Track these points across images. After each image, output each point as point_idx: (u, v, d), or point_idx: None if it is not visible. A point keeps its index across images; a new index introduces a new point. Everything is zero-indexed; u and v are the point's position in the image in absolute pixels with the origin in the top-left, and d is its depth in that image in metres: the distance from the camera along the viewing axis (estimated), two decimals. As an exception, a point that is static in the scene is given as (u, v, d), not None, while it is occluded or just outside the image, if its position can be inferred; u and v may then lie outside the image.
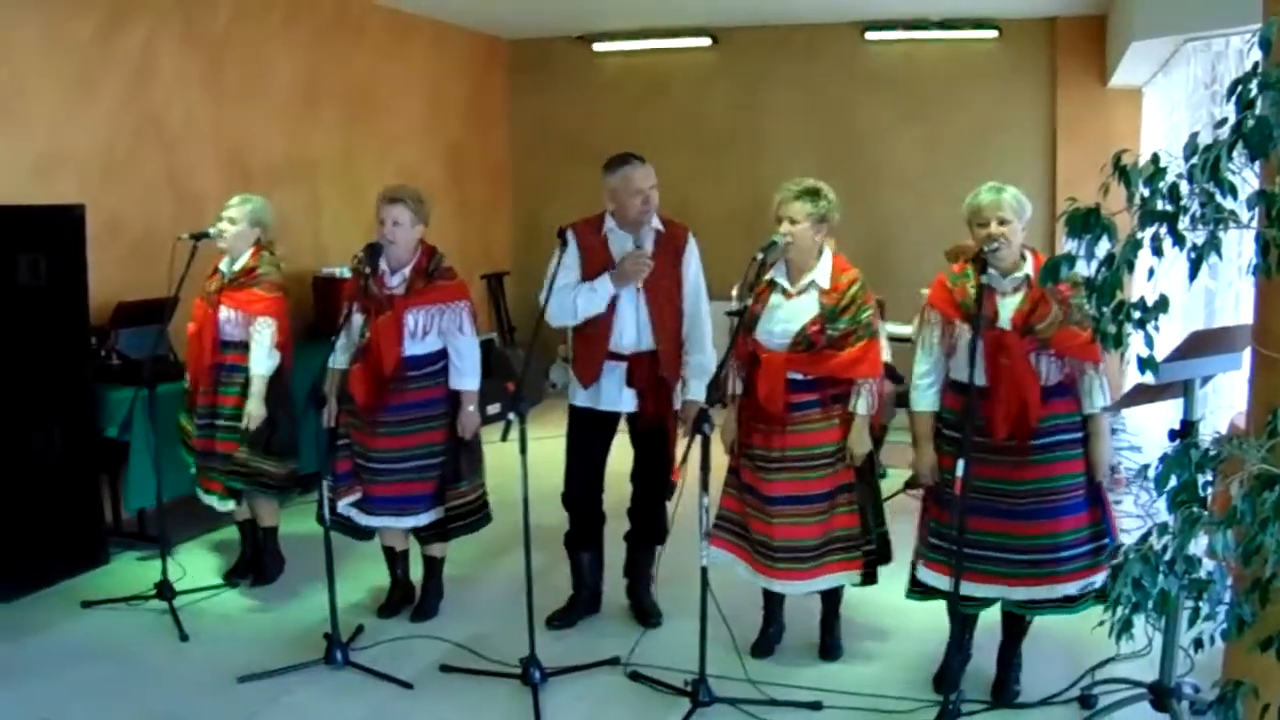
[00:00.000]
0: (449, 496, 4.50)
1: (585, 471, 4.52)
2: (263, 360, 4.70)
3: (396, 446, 4.40)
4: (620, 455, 4.54)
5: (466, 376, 4.47)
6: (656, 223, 4.41)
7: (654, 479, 4.42)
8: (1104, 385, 3.68)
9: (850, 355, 3.91)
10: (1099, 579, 3.65)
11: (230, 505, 4.93)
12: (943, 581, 3.78)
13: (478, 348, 4.54)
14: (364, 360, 4.36)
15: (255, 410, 4.68)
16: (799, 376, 3.94)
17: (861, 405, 3.95)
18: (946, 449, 3.79)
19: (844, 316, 3.92)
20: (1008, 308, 3.67)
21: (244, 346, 4.74)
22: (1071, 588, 3.69)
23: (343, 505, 4.45)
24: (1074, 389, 3.69)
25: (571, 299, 4.31)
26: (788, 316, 3.96)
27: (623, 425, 4.52)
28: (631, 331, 4.35)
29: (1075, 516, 3.69)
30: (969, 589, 3.72)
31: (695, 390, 4.35)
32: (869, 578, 4.07)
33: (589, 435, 4.49)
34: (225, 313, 4.74)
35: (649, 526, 4.53)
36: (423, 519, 4.52)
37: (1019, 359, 3.61)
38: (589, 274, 4.34)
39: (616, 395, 4.40)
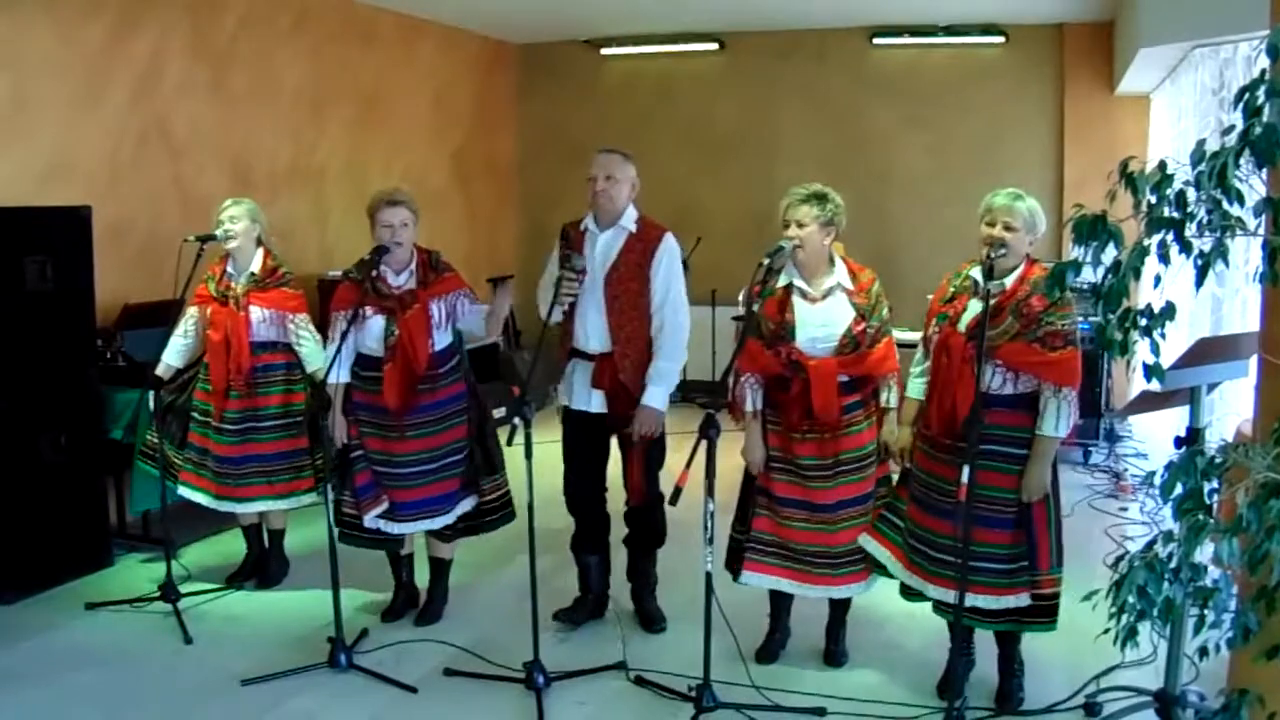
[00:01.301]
0: (487, 490, 4.52)
1: (577, 473, 4.50)
2: (319, 353, 4.73)
3: (426, 448, 4.39)
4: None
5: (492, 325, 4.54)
6: (630, 223, 4.34)
7: (629, 485, 4.42)
8: (1064, 411, 3.57)
9: (880, 352, 3.96)
10: (1014, 600, 3.67)
11: (309, 498, 4.92)
12: (880, 551, 3.95)
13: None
14: (394, 361, 4.30)
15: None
16: (845, 378, 3.95)
17: (892, 398, 4.02)
18: (919, 445, 3.89)
19: (875, 314, 3.97)
20: (971, 311, 3.68)
21: (278, 346, 4.78)
22: (981, 600, 3.68)
23: (369, 518, 4.44)
24: (1035, 406, 3.65)
25: (540, 300, 4.38)
26: (823, 321, 3.95)
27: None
28: (593, 332, 4.33)
29: (994, 531, 3.67)
30: (904, 575, 3.90)
31: (651, 396, 4.27)
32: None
33: (576, 436, 4.48)
34: (258, 313, 4.74)
35: (643, 531, 4.52)
36: (452, 516, 4.51)
37: (958, 361, 3.63)
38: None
39: (585, 395, 4.38)
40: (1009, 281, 3.66)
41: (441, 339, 4.41)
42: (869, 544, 3.99)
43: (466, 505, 4.53)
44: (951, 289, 3.82)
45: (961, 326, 3.68)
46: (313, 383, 4.74)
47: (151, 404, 4.83)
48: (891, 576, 3.98)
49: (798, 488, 4.02)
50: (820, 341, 3.93)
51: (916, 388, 3.95)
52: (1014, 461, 3.65)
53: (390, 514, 4.44)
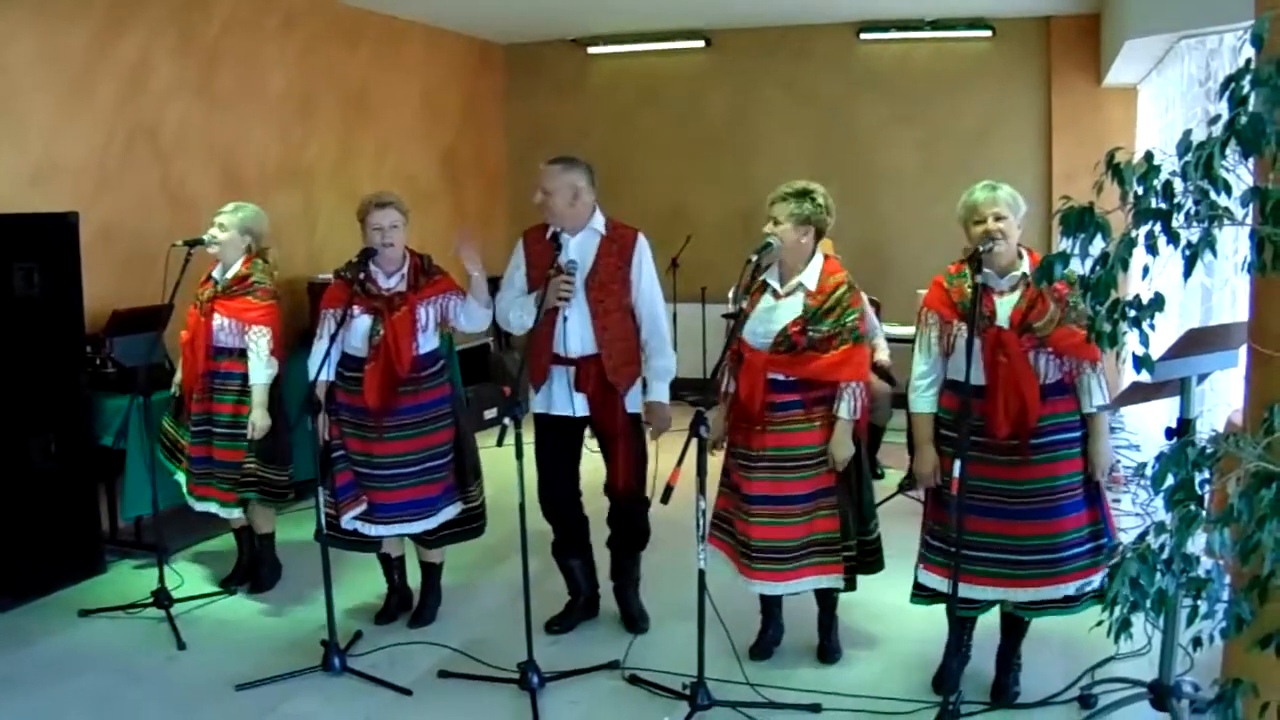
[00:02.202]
0: (471, 496, 4.53)
1: (553, 478, 4.48)
2: (261, 370, 4.70)
3: (404, 450, 4.37)
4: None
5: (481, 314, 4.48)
6: (599, 226, 4.35)
7: (617, 485, 4.42)
8: (1102, 384, 3.66)
9: (833, 358, 3.89)
10: (1097, 579, 3.64)
11: (235, 512, 4.92)
12: (943, 584, 3.75)
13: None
14: (375, 361, 4.31)
15: (259, 420, 4.68)
16: (780, 377, 3.94)
17: (844, 409, 3.92)
18: (946, 450, 3.75)
19: (828, 319, 3.90)
20: (1005, 306, 3.66)
21: (237, 354, 4.75)
22: (1070, 587, 3.68)
23: (347, 519, 4.43)
24: (1072, 387, 3.68)
25: (506, 310, 4.40)
26: (774, 317, 3.96)
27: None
28: (576, 336, 4.30)
29: (1075, 516, 3.68)
30: (972, 591, 3.71)
31: (656, 391, 4.34)
32: (848, 583, 4.05)
33: (550, 441, 4.45)
34: (219, 320, 4.74)
35: (626, 533, 4.52)
36: (433, 521, 4.48)
37: (1017, 357, 3.59)
38: (531, 275, 4.38)
39: (566, 399, 4.36)
40: (1024, 269, 3.68)
41: (427, 342, 4.41)
42: (929, 579, 3.84)
43: (451, 512, 4.51)
44: (968, 288, 3.64)
45: (1004, 323, 3.64)
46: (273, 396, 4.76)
47: (170, 406, 4.97)
48: (985, 609, 3.85)
49: (735, 474, 4.08)
50: (760, 336, 3.96)
51: (927, 402, 3.83)
52: (1074, 445, 3.68)
53: (368, 516, 4.43)
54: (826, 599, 4.22)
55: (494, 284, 4.42)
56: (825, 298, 3.93)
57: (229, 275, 4.78)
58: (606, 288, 4.28)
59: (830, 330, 3.90)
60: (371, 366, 4.31)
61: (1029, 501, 3.66)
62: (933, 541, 3.84)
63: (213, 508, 4.92)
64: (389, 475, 4.39)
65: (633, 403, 4.39)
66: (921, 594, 3.91)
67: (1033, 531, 3.66)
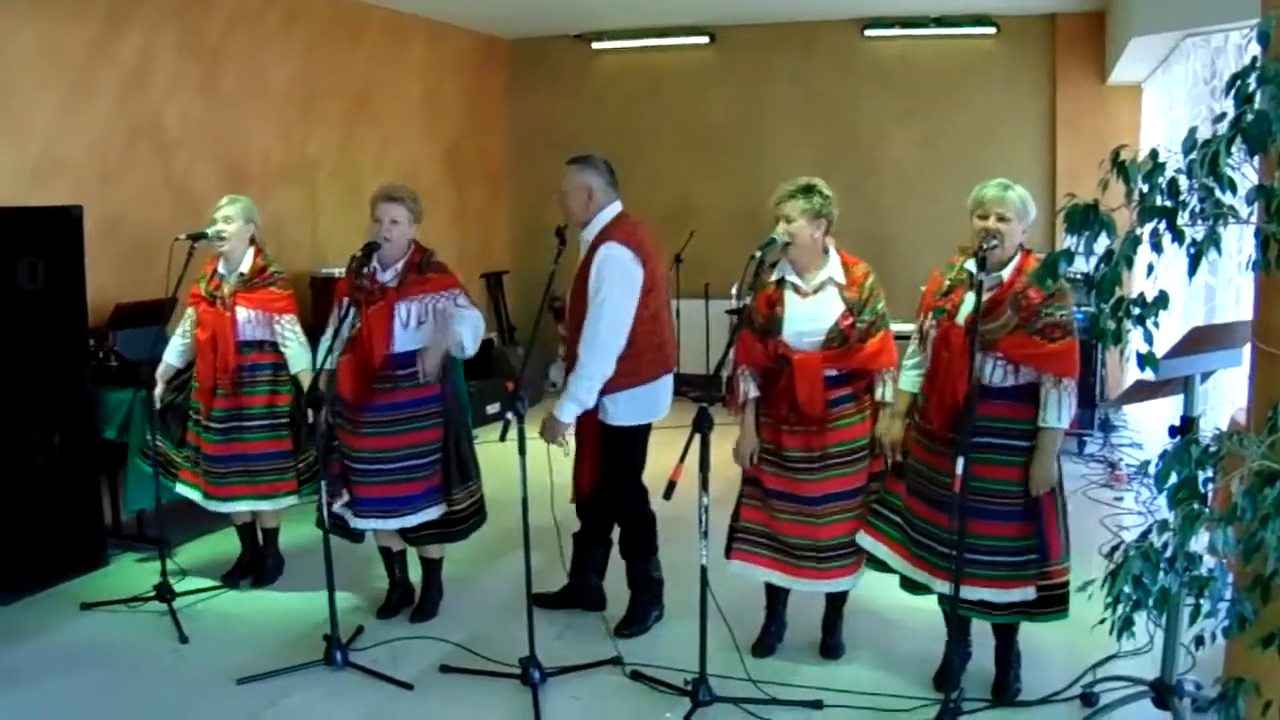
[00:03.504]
0: (457, 498, 4.49)
1: (580, 471, 4.54)
2: (304, 355, 4.72)
3: (381, 447, 4.36)
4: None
5: (466, 337, 4.34)
6: (595, 229, 4.33)
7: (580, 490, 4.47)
8: (1065, 402, 3.57)
9: (874, 346, 3.93)
10: (1021, 594, 3.67)
11: (287, 501, 4.89)
12: (877, 548, 3.96)
13: (479, 316, 4.45)
14: (352, 352, 4.31)
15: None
16: (834, 372, 3.94)
17: (886, 393, 3.98)
18: (915, 437, 3.86)
19: (867, 308, 3.94)
20: (969, 304, 3.65)
21: (265, 345, 4.75)
22: (989, 593, 3.69)
23: (336, 507, 4.43)
24: (1032, 397, 3.64)
25: None
26: (812, 315, 3.94)
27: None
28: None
29: (1001, 524, 3.67)
30: (901, 567, 3.89)
31: (559, 407, 4.26)
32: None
33: (579, 435, 4.51)
34: (244, 313, 4.71)
35: (613, 521, 4.56)
36: (411, 520, 4.46)
37: (959, 354, 3.60)
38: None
39: None
40: (1006, 274, 3.65)
41: (407, 341, 4.33)
42: (865, 541, 3.99)
43: (432, 513, 4.48)
44: (947, 281, 3.79)
45: (960, 320, 3.66)
46: (298, 384, 4.74)
47: (158, 402, 4.85)
48: (893, 572, 3.96)
49: (785, 480, 4.03)
50: (807, 336, 3.93)
51: (909, 380, 3.93)
52: (1016, 453, 3.64)
53: (351, 507, 4.44)
54: (837, 596, 4.23)
55: (496, 280, 4.42)
56: (860, 289, 3.96)
57: (244, 268, 4.76)
58: (579, 292, 4.30)
59: (870, 319, 3.94)
60: (347, 359, 4.32)
61: (953, 494, 3.61)
62: (875, 505, 3.99)
63: (243, 505, 4.89)
64: (365, 470, 4.39)
65: (619, 415, 4.34)
66: (872, 563, 4.03)
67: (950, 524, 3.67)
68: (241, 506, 4.91)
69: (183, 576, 5.05)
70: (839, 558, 4.02)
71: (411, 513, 4.45)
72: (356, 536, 4.58)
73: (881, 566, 4.00)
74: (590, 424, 4.39)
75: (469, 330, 4.34)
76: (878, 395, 3.99)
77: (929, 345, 3.78)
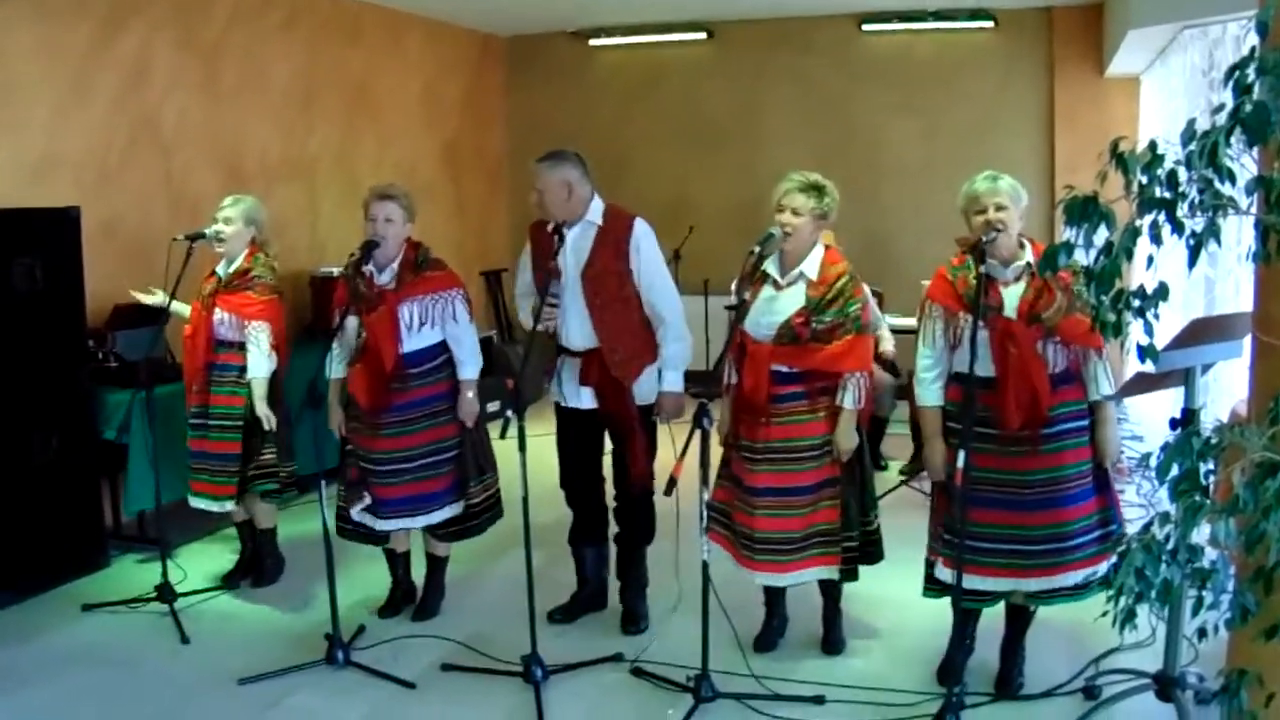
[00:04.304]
0: (475, 492, 4.49)
1: (571, 467, 4.51)
2: (261, 363, 4.70)
3: (400, 447, 4.36)
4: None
5: (465, 365, 4.44)
6: (596, 216, 4.29)
7: (623, 478, 4.41)
8: (1108, 371, 3.67)
9: (837, 349, 3.88)
10: (1104, 566, 3.64)
11: (228, 505, 4.89)
12: (965, 579, 3.71)
13: (475, 333, 4.49)
14: (363, 361, 4.32)
15: (263, 412, 4.69)
16: (784, 369, 3.93)
17: (848, 399, 3.91)
18: (953, 442, 3.71)
19: (830, 309, 3.89)
20: (1012, 296, 3.64)
21: (237, 346, 4.74)
22: (1079, 575, 3.67)
23: (355, 513, 4.44)
24: (1079, 376, 3.68)
25: (520, 303, 4.61)
26: (776, 308, 3.94)
27: None
28: (576, 330, 4.31)
29: (1084, 504, 3.68)
30: (984, 583, 3.72)
31: (669, 381, 4.29)
32: (849, 573, 4.04)
33: (568, 431, 4.50)
34: (219, 315, 4.73)
35: (636, 525, 4.50)
36: (436, 516, 4.47)
37: (1027, 348, 3.57)
38: (536, 268, 4.39)
39: (574, 392, 4.38)
40: (1028, 259, 3.66)
41: (417, 340, 4.34)
42: (945, 574, 3.76)
43: (453, 510, 4.48)
44: (971, 280, 3.61)
45: (1011, 313, 3.62)
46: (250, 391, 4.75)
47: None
48: (993, 601, 3.84)
49: (739, 465, 4.06)
50: (763, 328, 3.94)
51: (934, 394, 3.79)
52: (1082, 434, 3.69)
53: (374, 510, 4.43)
54: (831, 591, 4.21)
55: (495, 277, 4.42)
56: (827, 288, 3.91)
57: (231, 269, 4.78)
58: (601, 280, 4.24)
59: (833, 321, 3.88)
60: (358, 366, 4.34)
61: (1038, 491, 3.64)
62: (946, 535, 3.79)
63: (203, 503, 4.90)
64: (388, 470, 4.38)
65: (646, 393, 4.34)
66: (933, 587, 3.89)
67: (1042, 521, 3.65)
68: (202, 504, 4.92)
69: (184, 577, 5.04)
70: (770, 552, 3.97)
71: (437, 509, 4.46)
72: (381, 538, 4.58)
73: (946, 591, 3.79)
74: (629, 414, 4.31)
75: (467, 360, 4.45)
76: (839, 399, 3.91)
77: (990, 347, 3.60)
